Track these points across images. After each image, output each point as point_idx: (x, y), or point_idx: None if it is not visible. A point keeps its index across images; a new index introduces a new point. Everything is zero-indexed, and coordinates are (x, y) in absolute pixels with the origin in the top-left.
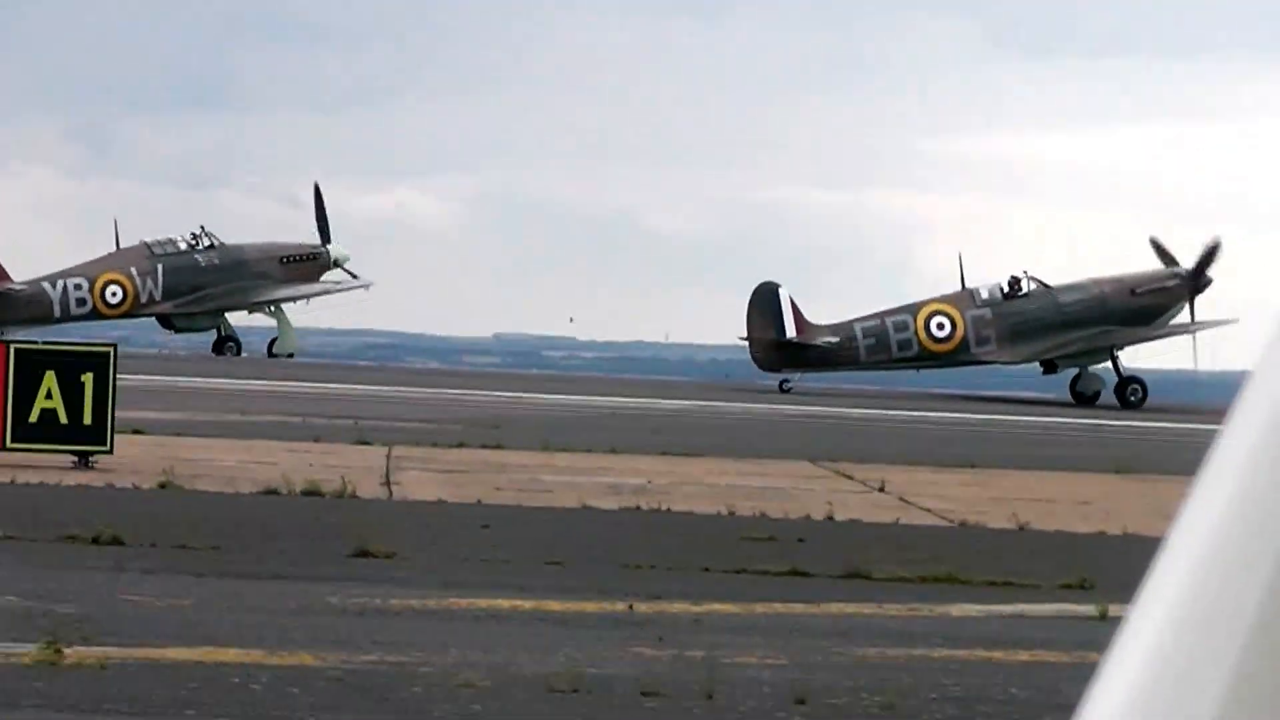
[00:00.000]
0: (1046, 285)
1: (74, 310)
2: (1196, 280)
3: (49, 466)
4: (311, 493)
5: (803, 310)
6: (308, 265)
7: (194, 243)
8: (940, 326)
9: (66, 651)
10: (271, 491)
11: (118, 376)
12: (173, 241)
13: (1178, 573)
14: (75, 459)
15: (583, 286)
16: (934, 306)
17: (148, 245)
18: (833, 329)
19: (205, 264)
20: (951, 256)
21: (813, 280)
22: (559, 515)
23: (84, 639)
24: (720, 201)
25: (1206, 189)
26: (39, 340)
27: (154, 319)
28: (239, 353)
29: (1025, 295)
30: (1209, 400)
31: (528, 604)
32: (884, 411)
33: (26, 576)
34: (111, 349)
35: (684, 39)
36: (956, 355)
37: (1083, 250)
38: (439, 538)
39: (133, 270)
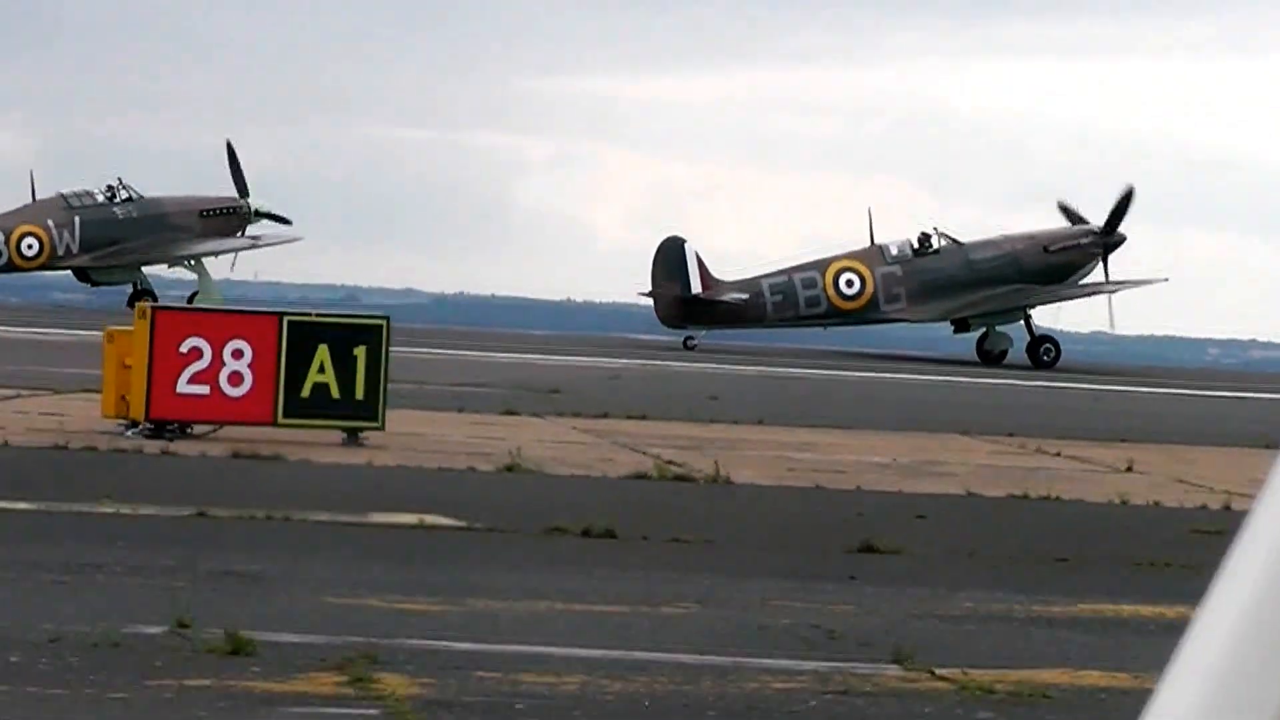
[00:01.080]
0: (958, 242)
1: None
2: (1109, 236)
3: (318, 443)
4: (682, 479)
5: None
6: (228, 219)
7: (111, 195)
8: (850, 284)
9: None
10: (641, 476)
11: (390, 350)
12: (90, 194)
13: (1250, 571)
14: (345, 435)
15: None
16: (843, 263)
17: (64, 197)
18: (739, 285)
19: (123, 216)
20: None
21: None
22: (955, 502)
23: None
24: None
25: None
26: (313, 312)
27: (70, 272)
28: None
29: (936, 252)
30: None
31: (1133, 609)
32: (855, 373)
33: (641, 582)
34: (384, 321)
35: None
36: (866, 313)
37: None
38: (900, 529)
39: (49, 222)
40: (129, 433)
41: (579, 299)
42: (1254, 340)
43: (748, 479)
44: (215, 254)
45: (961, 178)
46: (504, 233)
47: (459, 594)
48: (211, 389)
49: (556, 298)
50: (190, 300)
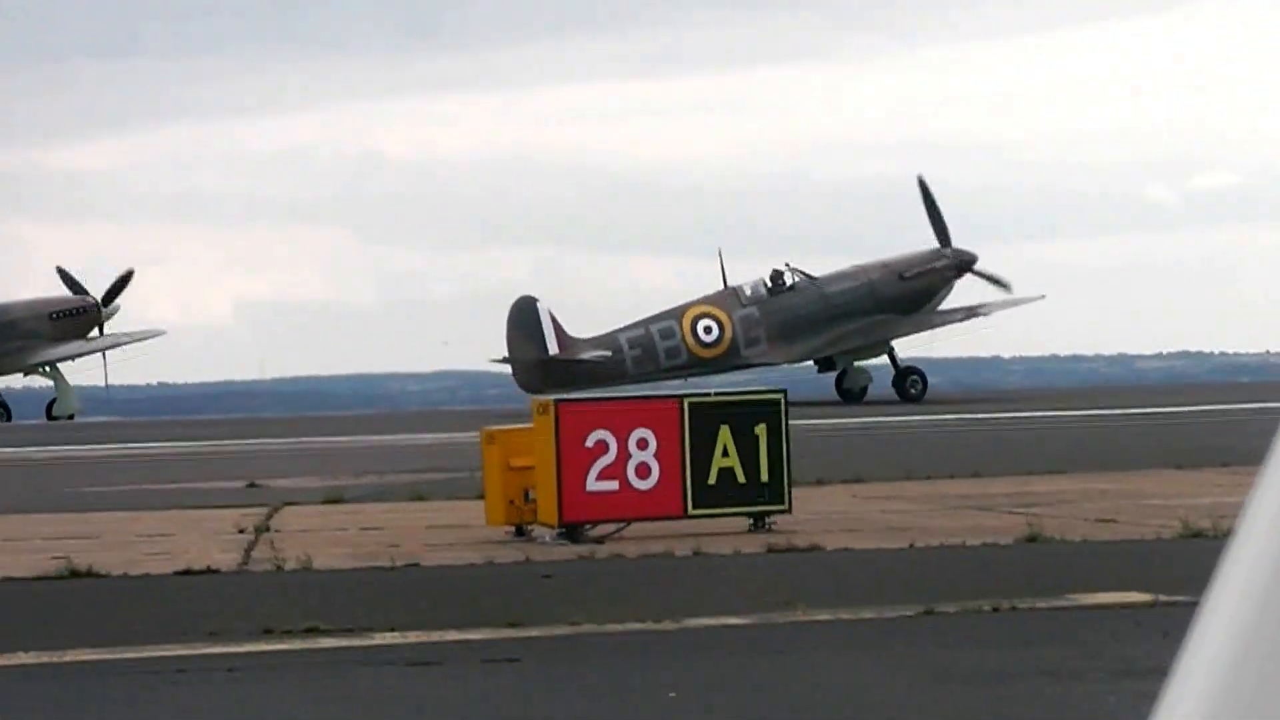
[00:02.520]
0: (811, 277)
1: None
2: (961, 255)
3: (725, 533)
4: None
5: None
6: (76, 321)
7: None
8: (708, 330)
9: None
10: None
11: (789, 425)
12: None
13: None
14: (751, 521)
15: None
16: (699, 309)
17: None
18: (596, 342)
19: None
20: None
21: None
22: None
23: None
24: None
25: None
26: (711, 392)
27: None
28: (9, 418)
29: (791, 289)
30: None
31: None
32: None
33: None
34: (781, 395)
35: None
36: (727, 359)
37: None
38: None
39: None
40: (548, 538)
41: None
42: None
43: None
44: (73, 358)
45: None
46: None
47: None
48: (620, 484)
49: None
50: (49, 411)
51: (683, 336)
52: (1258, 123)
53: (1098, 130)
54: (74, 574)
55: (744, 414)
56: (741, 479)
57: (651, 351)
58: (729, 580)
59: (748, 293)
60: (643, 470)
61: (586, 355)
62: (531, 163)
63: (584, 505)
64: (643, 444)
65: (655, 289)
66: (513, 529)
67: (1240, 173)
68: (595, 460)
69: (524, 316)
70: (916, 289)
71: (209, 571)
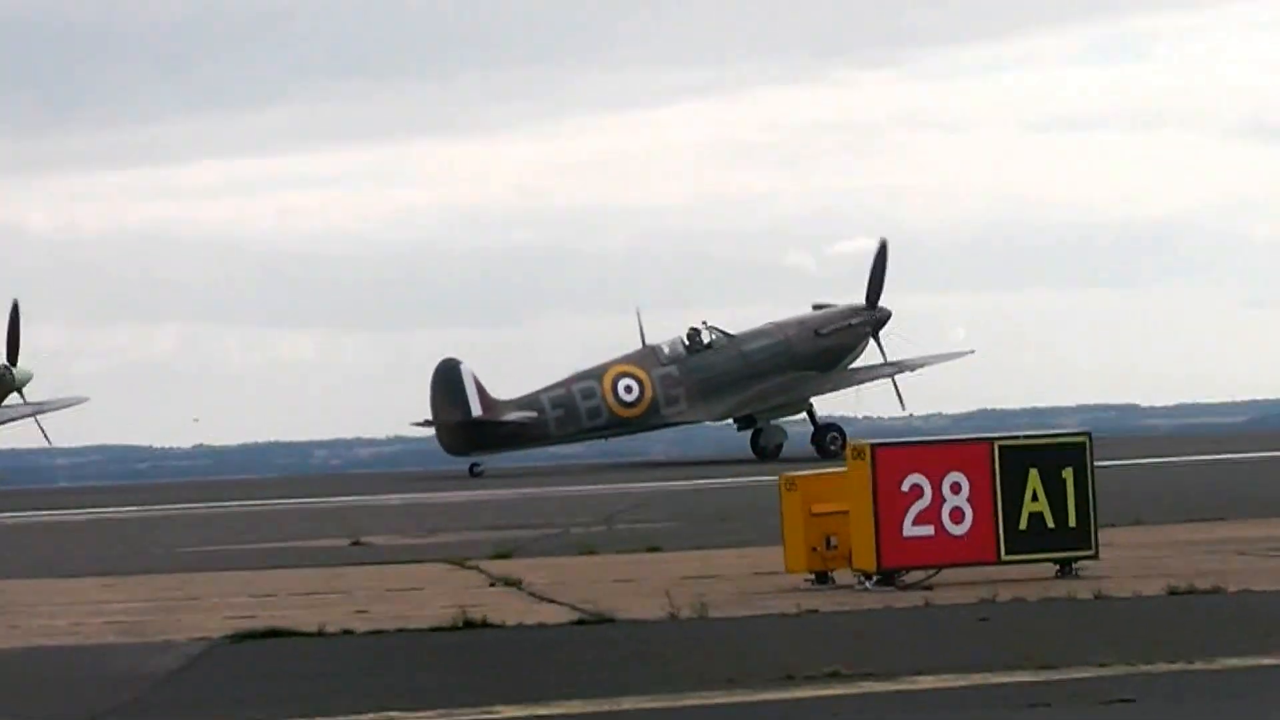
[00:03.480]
0: (728, 334)
1: None
2: (876, 312)
3: (1034, 579)
4: None
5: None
6: None
7: None
8: (628, 390)
9: None
10: None
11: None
12: None
13: None
14: (1058, 567)
15: None
16: (620, 368)
17: None
18: (519, 403)
19: None
20: None
21: None
22: None
23: None
24: None
25: None
26: (1021, 435)
27: None
28: None
29: (709, 347)
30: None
31: None
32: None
33: None
34: (1086, 437)
35: None
36: (647, 418)
37: None
38: None
39: None
40: (866, 584)
41: None
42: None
43: None
44: None
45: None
46: None
47: None
48: (935, 529)
49: None
50: None
51: (604, 396)
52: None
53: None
54: (468, 624)
55: (1052, 456)
56: (1051, 523)
57: (574, 412)
58: (1172, 624)
59: (666, 351)
60: (956, 515)
61: (511, 416)
62: (174, 238)
63: (901, 551)
64: (956, 488)
65: (301, 361)
66: (813, 576)
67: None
68: (911, 505)
69: (447, 379)
70: (831, 346)
71: (605, 620)
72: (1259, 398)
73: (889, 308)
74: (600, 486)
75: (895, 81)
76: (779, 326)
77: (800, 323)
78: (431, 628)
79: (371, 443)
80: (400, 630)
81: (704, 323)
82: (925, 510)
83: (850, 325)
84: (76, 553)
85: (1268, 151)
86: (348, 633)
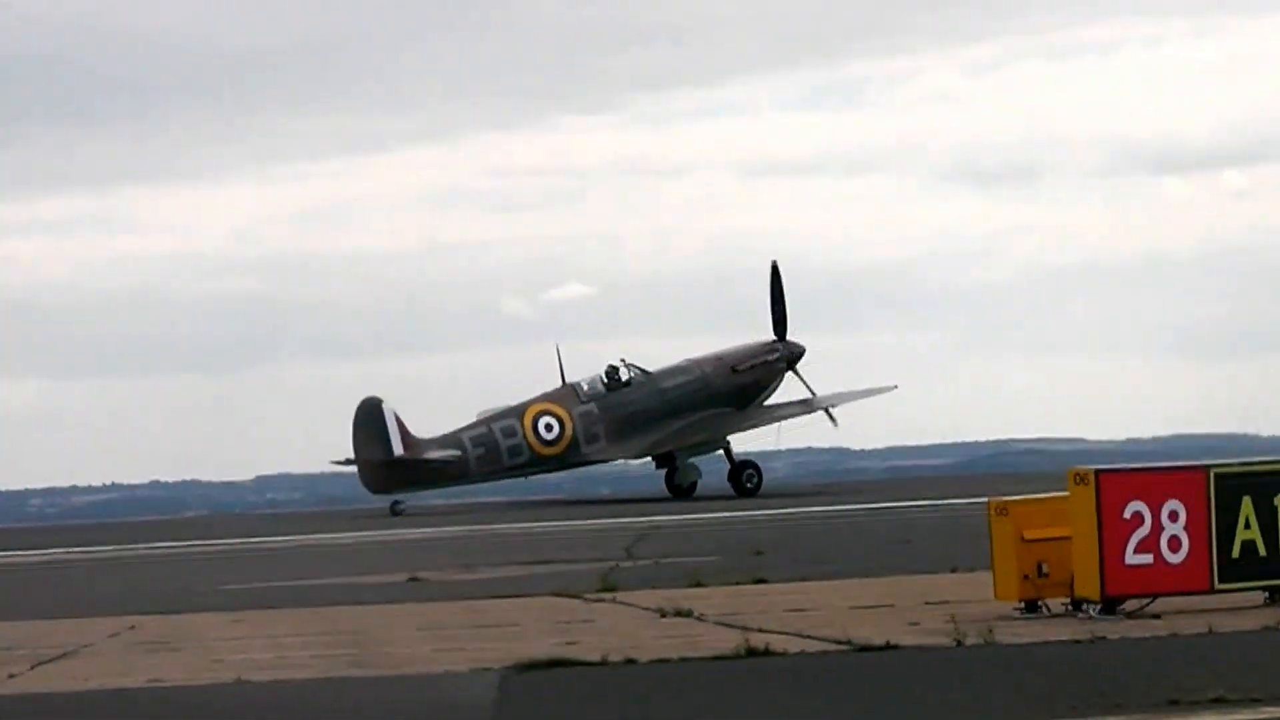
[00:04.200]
0: (646, 371)
1: None
2: (791, 346)
3: (1243, 607)
4: None
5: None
6: None
7: None
8: (549, 428)
9: None
10: None
11: None
12: None
13: None
14: (1267, 595)
15: None
16: (540, 406)
17: None
18: (440, 441)
19: None
20: None
21: None
22: None
23: None
24: None
25: None
26: (1234, 462)
27: None
28: None
29: (627, 384)
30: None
31: None
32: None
33: None
34: None
35: None
36: (567, 456)
37: None
38: None
39: None
40: (1091, 611)
41: None
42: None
43: None
44: None
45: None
46: None
47: None
48: (1154, 557)
49: None
50: None
51: (524, 434)
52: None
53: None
54: (750, 653)
55: (1266, 484)
56: (1262, 552)
57: (495, 450)
58: None
59: (585, 389)
60: (1174, 543)
61: (433, 455)
62: None
63: (1123, 579)
64: (1174, 516)
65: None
66: (1022, 604)
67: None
68: (1132, 533)
69: (369, 417)
70: (748, 383)
71: (888, 648)
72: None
73: (802, 343)
74: (555, 523)
75: (612, 128)
76: (696, 363)
77: (717, 359)
78: (714, 656)
79: (89, 490)
80: (683, 659)
81: (622, 360)
82: (1145, 538)
83: (766, 361)
84: (148, 589)
85: (977, 196)
86: (630, 662)
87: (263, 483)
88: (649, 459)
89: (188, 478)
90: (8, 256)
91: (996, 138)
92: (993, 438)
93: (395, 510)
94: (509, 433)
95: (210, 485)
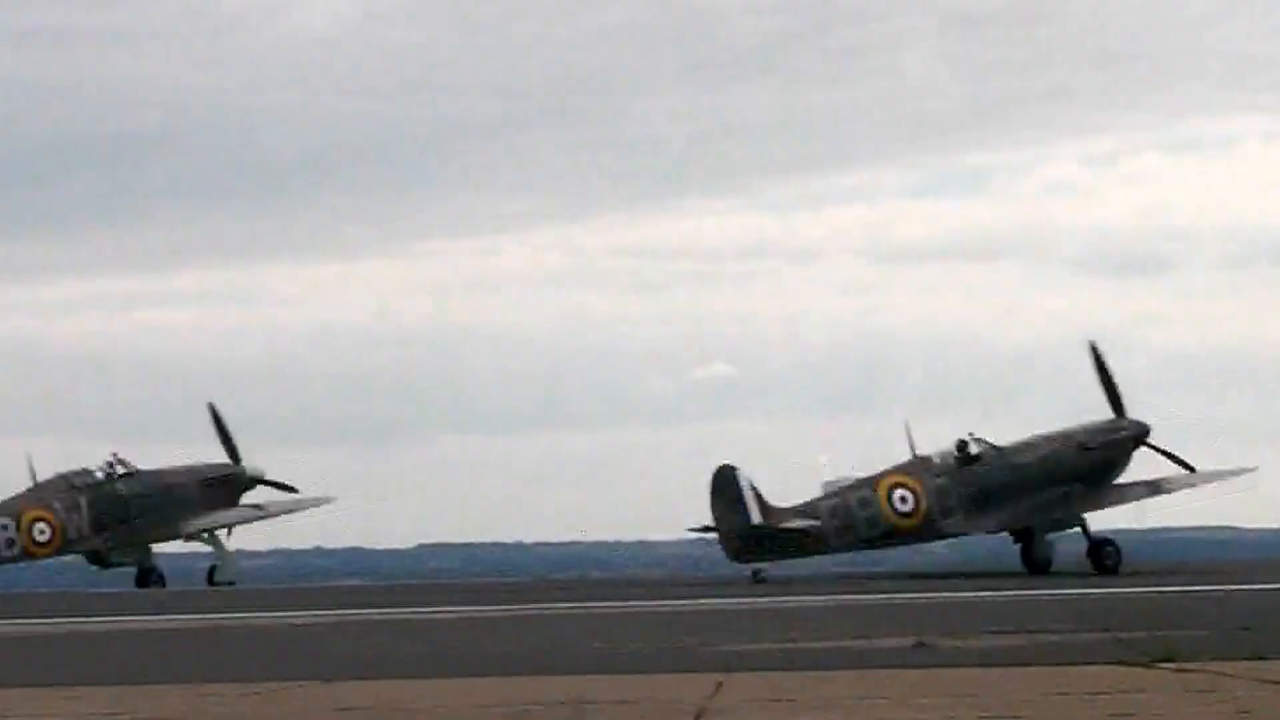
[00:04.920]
0: (996, 447)
1: (2, 552)
2: (1139, 426)
3: None
4: None
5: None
6: (227, 487)
7: (110, 471)
8: (904, 499)
9: None
10: None
11: None
12: (89, 471)
13: None
14: None
15: None
16: (893, 479)
17: (64, 477)
18: (796, 511)
19: (128, 493)
20: None
21: None
22: None
23: None
24: None
25: None
26: None
27: (83, 556)
28: (164, 584)
29: (978, 458)
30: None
31: None
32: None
33: None
34: None
35: None
36: (922, 530)
37: None
38: None
39: (56, 504)
40: None
41: None
42: None
43: None
44: (228, 526)
45: None
46: None
47: None
48: None
49: None
50: (210, 577)
51: (880, 506)
52: None
53: None
54: None
55: None
56: None
57: (851, 521)
58: None
59: (937, 461)
60: None
61: (793, 524)
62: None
63: None
64: None
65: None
66: None
67: None
68: None
69: (727, 486)
70: (1098, 460)
71: None
72: None
73: (1147, 422)
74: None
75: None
76: (1045, 440)
77: (1065, 436)
78: None
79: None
80: None
81: (970, 434)
82: None
83: (1116, 439)
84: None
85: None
86: None
87: (425, 551)
88: (1005, 533)
89: (350, 545)
90: (152, 326)
91: None
92: None
93: (757, 578)
94: (865, 504)
95: (372, 552)
